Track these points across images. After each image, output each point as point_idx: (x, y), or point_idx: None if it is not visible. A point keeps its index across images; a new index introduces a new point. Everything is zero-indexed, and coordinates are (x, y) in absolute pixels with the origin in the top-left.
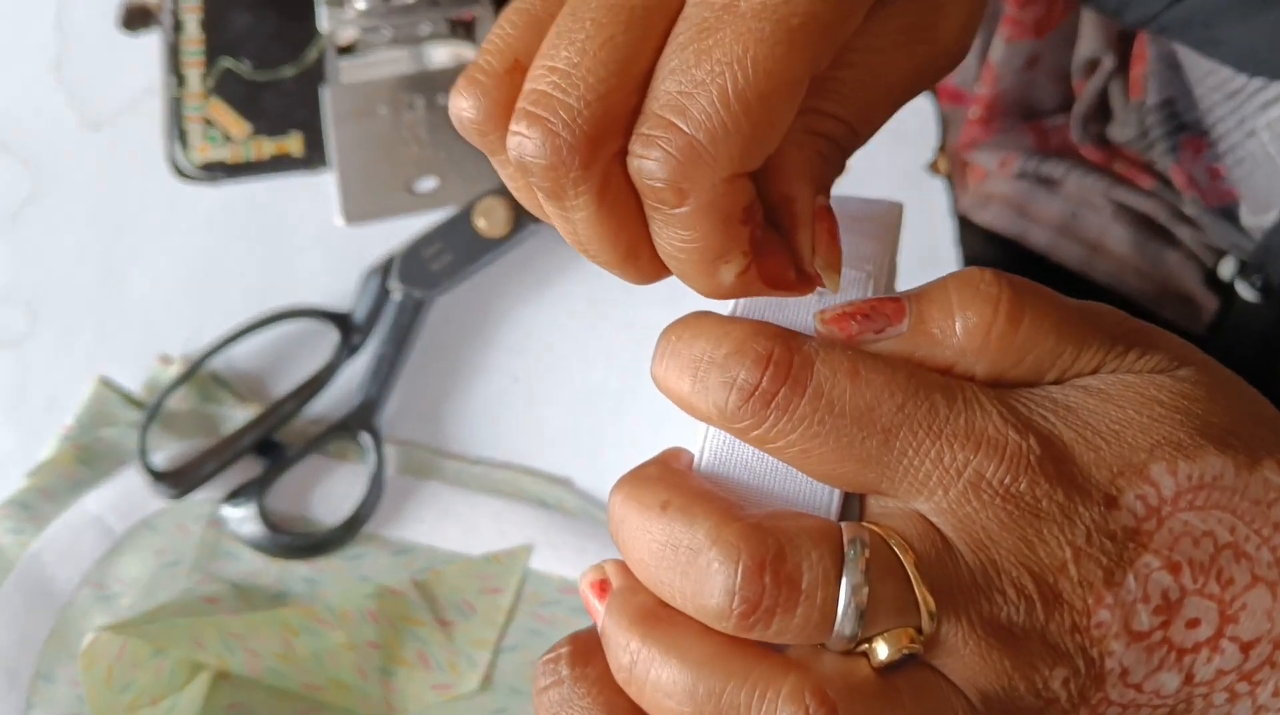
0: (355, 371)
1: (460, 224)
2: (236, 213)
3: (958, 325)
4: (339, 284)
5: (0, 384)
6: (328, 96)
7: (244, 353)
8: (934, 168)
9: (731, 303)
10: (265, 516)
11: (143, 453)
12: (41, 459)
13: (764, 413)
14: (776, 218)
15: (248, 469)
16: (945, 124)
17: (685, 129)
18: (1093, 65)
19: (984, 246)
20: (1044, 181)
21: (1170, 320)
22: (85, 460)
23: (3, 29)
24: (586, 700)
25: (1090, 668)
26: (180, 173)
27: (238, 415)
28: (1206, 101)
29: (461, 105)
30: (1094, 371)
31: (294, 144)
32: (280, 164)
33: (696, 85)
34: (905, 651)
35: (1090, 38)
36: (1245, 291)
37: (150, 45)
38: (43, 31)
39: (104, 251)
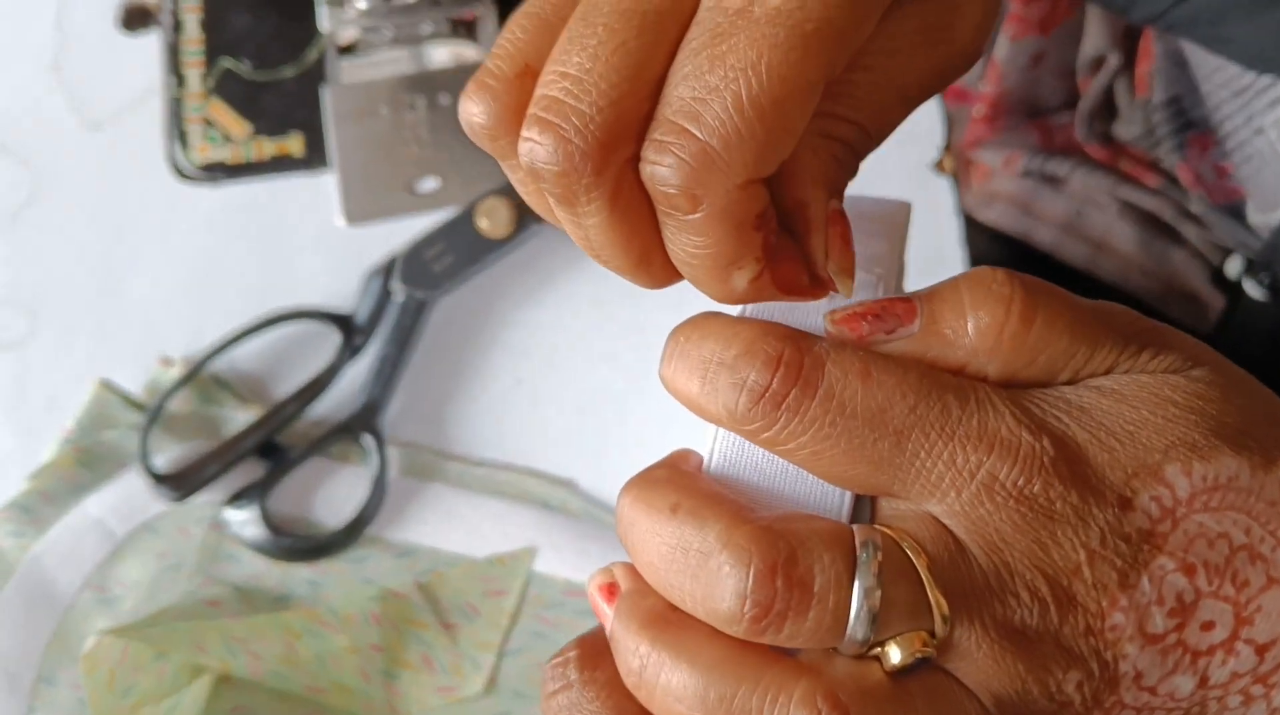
0: (357, 373)
1: (462, 224)
2: (237, 213)
3: (970, 325)
4: (340, 285)
5: (0, 386)
6: (328, 96)
7: (245, 354)
8: (939, 167)
9: None
10: (267, 519)
11: (144, 455)
12: (42, 462)
13: (774, 414)
14: (789, 222)
15: (249, 471)
16: (950, 123)
17: (699, 135)
18: (1098, 63)
19: (989, 245)
20: (1049, 180)
21: (1176, 319)
22: (86, 463)
23: (2, 29)
24: (596, 704)
25: (1104, 671)
26: (180, 173)
27: (239, 417)
28: (1213, 99)
29: (471, 110)
30: (1107, 372)
31: (295, 144)
32: (281, 164)
33: (710, 91)
34: (918, 655)
35: (1095, 35)
36: (1253, 289)
37: (150, 45)
38: (42, 31)
39: (104, 252)
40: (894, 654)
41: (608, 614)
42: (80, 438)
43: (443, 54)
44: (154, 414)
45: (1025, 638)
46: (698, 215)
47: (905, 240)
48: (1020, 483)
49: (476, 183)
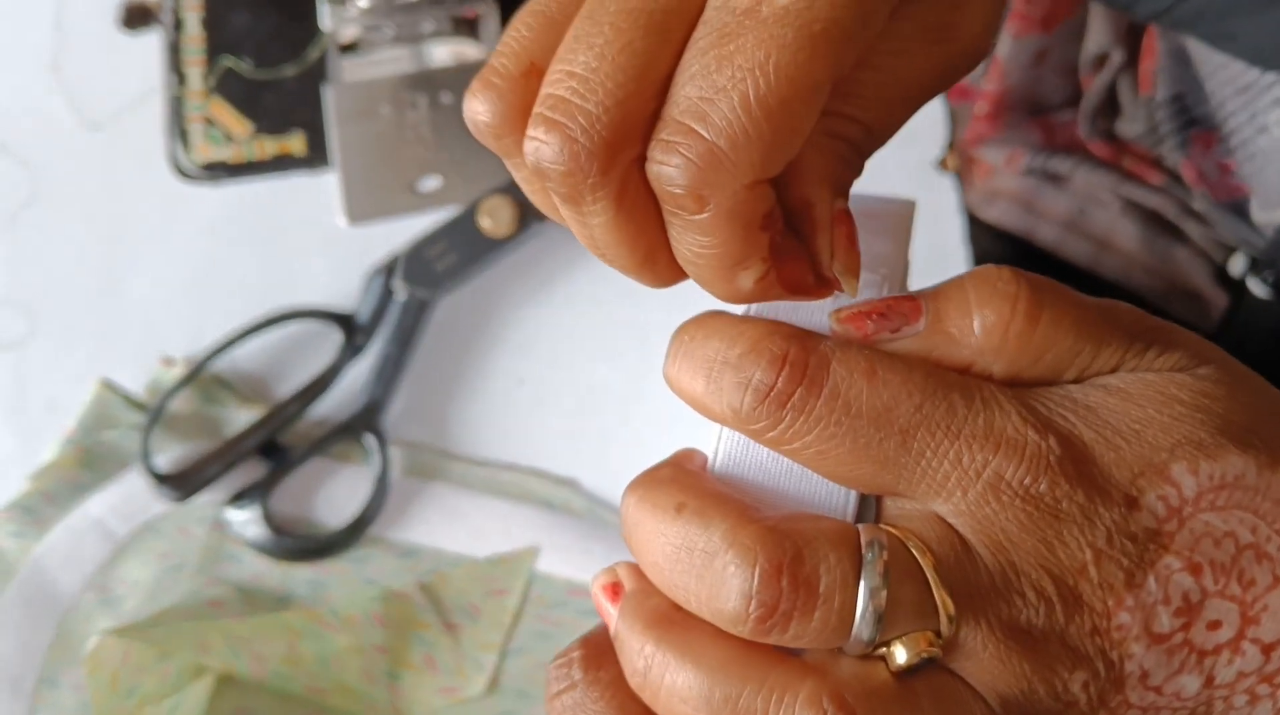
0: (359, 373)
1: (464, 224)
2: (238, 213)
3: (975, 324)
4: (342, 284)
5: (0, 386)
6: (330, 95)
7: (247, 354)
8: (943, 165)
9: None
10: (269, 519)
11: (145, 455)
12: (43, 462)
13: (779, 414)
14: (795, 221)
15: (251, 471)
16: (952, 120)
17: (706, 135)
18: (1101, 60)
19: (991, 243)
20: (1051, 178)
21: (1179, 317)
22: (87, 463)
23: (1, 29)
24: (600, 705)
25: (1110, 670)
26: (181, 173)
27: (241, 417)
28: (1217, 96)
29: (476, 108)
30: (1113, 370)
31: (296, 143)
32: (282, 164)
33: (718, 91)
34: (924, 655)
35: (1098, 32)
36: (1256, 287)
37: (150, 44)
38: (42, 31)
39: (105, 252)
40: (900, 654)
41: (612, 614)
42: (81, 438)
43: (444, 52)
44: (155, 414)
45: (1031, 637)
46: (704, 215)
47: (910, 239)
48: (1026, 482)
49: (478, 182)
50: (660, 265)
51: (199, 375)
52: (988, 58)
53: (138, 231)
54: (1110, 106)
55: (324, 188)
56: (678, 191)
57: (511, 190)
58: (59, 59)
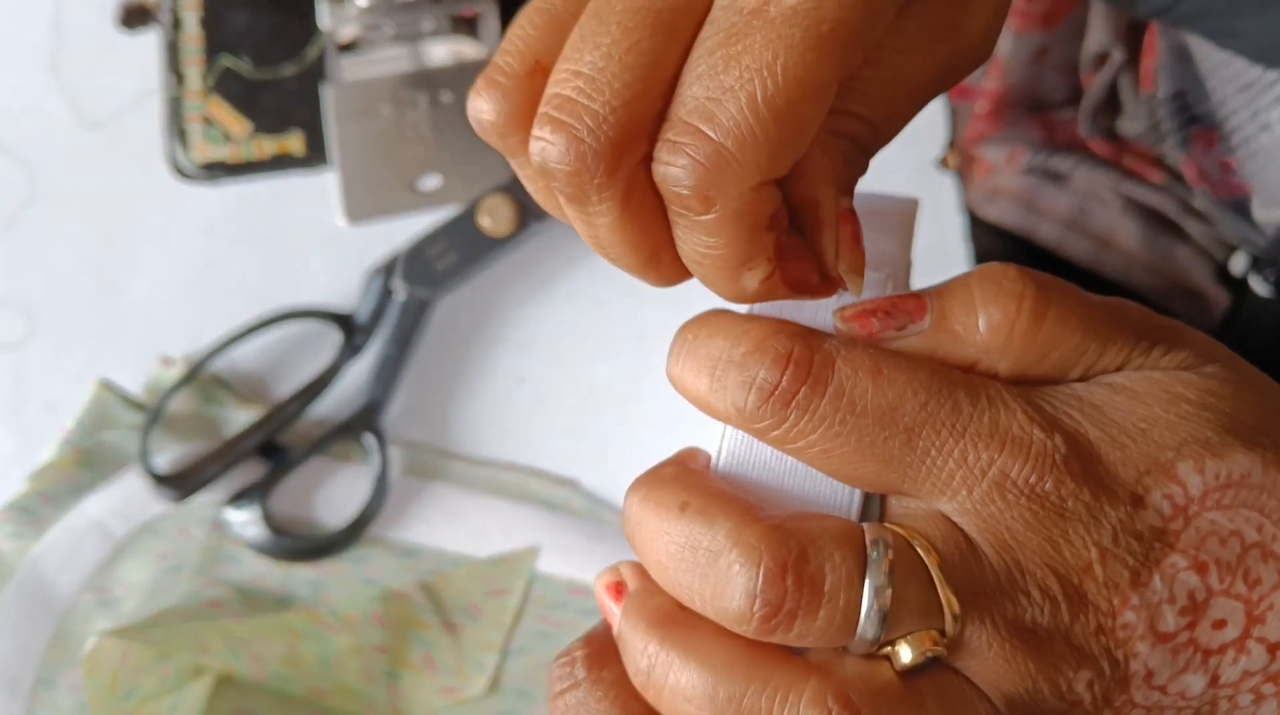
0: (359, 372)
1: (464, 223)
2: (237, 213)
3: (981, 322)
4: (341, 284)
5: None
6: (329, 94)
7: (246, 354)
8: (943, 163)
9: None
10: (268, 519)
11: (144, 456)
12: (41, 462)
13: (784, 412)
14: (799, 220)
15: (250, 471)
16: (953, 118)
17: (713, 136)
18: (1101, 58)
19: (992, 242)
20: (1052, 176)
21: (1181, 316)
22: (86, 463)
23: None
24: (604, 704)
25: (1115, 670)
26: (180, 172)
27: (240, 417)
28: (1219, 94)
29: (481, 107)
30: (1119, 368)
31: (295, 143)
32: (281, 163)
33: (725, 91)
34: (929, 654)
35: (1099, 30)
36: (1258, 286)
37: (149, 44)
38: (40, 31)
39: (103, 253)
40: (904, 653)
41: (615, 613)
42: (80, 438)
43: (443, 51)
44: (154, 414)
45: (1036, 636)
46: (710, 216)
47: (913, 237)
48: (1032, 480)
49: (478, 181)
50: (665, 265)
51: (198, 375)
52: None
53: (137, 231)
54: (1111, 104)
55: (323, 187)
56: (684, 192)
57: (511, 189)
58: (58, 59)
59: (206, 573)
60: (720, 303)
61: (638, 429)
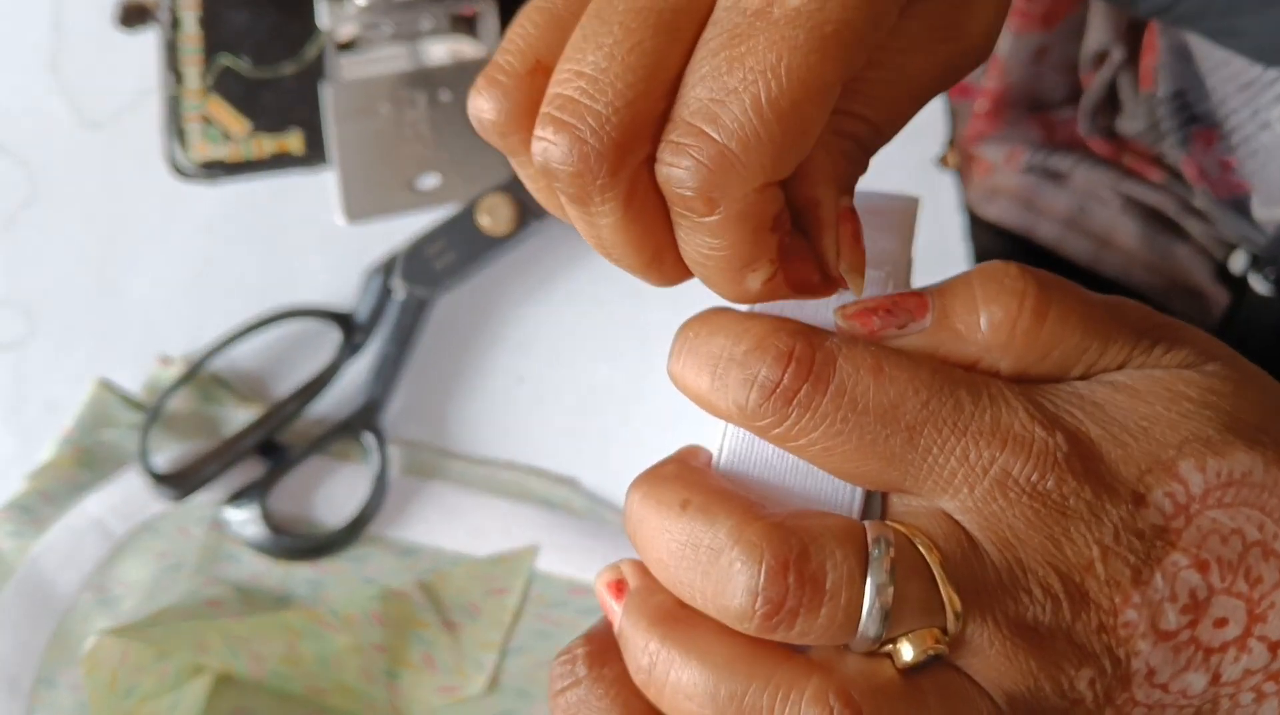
0: (358, 371)
1: (463, 222)
2: (236, 212)
3: (982, 320)
4: (340, 283)
5: None
6: (328, 93)
7: (245, 353)
8: (943, 162)
9: None
10: (268, 518)
11: (143, 455)
12: (41, 461)
13: (786, 411)
14: (800, 219)
15: (250, 470)
16: (953, 117)
17: (717, 137)
18: (1101, 57)
19: (992, 241)
20: (1051, 175)
21: (1180, 315)
22: (85, 463)
23: None
24: (605, 701)
25: (1116, 668)
26: (179, 172)
27: (239, 416)
28: (1219, 93)
29: (481, 106)
30: (1120, 367)
31: (294, 142)
32: (280, 162)
33: (729, 93)
34: (930, 652)
35: (1099, 29)
36: (1258, 284)
37: (148, 43)
38: (39, 31)
39: (103, 252)
40: (906, 651)
41: (616, 611)
42: (79, 437)
43: (442, 50)
44: (153, 413)
45: (1038, 635)
46: (714, 218)
47: (914, 236)
48: (1034, 479)
49: (477, 179)
50: (667, 265)
51: (197, 374)
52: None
53: (136, 231)
54: (1110, 103)
55: (322, 186)
56: (687, 194)
57: (510, 188)
58: (57, 59)
59: (206, 572)
60: (721, 301)
61: (637, 428)
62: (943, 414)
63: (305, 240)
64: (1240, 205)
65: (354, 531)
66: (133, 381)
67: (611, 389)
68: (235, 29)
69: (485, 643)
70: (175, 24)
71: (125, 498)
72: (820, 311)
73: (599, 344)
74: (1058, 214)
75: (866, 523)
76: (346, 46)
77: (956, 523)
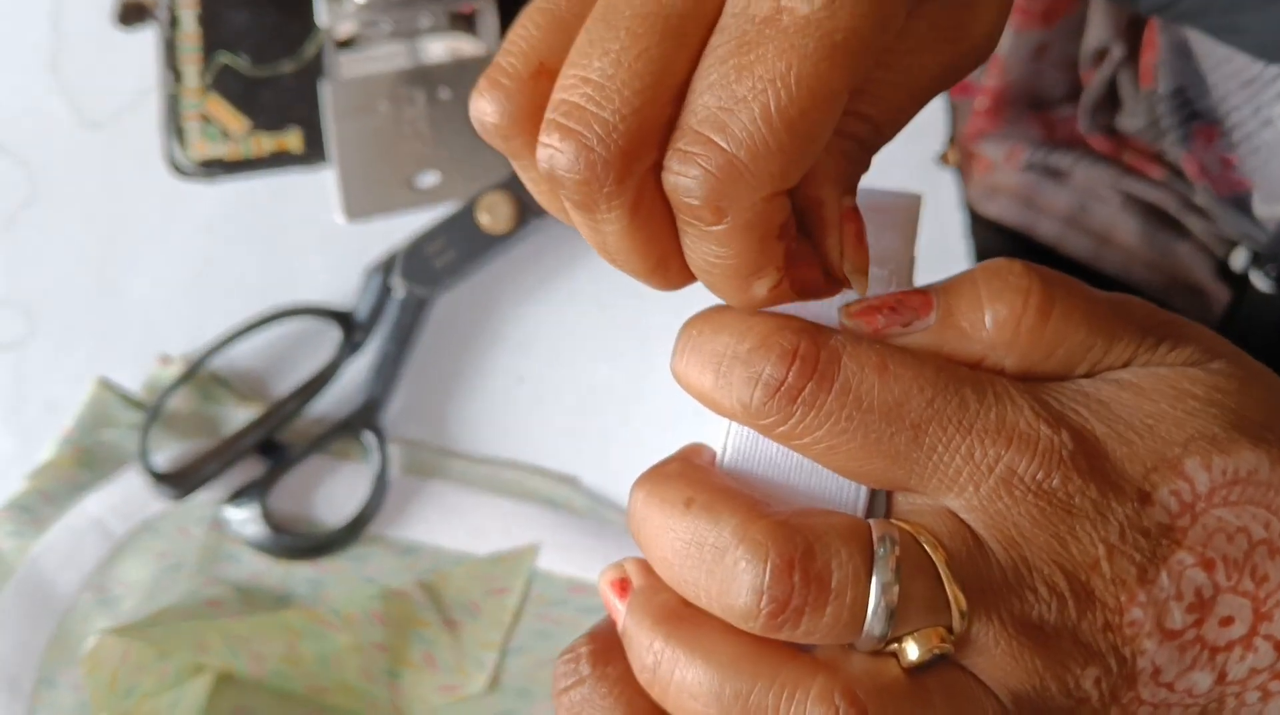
0: (358, 370)
1: (463, 220)
2: (236, 210)
3: (987, 318)
4: (340, 282)
5: None
6: (327, 91)
7: (245, 352)
8: (943, 160)
9: None
10: (268, 517)
11: (143, 454)
12: (41, 461)
13: (790, 409)
14: (804, 220)
15: (250, 470)
16: (953, 115)
17: (725, 147)
18: (1101, 55)
19: (992, 238)
20: (1052, 173)
21: (1181, 312)
22: (85, 462)
23: None
24: (609, 700)
25: (1122, 667)
26: (178, 170)
27: (239, 415)
28: (1220, 90)
29: (484, 109)
30: (1125, 365)
31: (293, 140)
32: (279, 160)
33: (738, 101)
34: (936, 651)
35: (1099, 26)
36: (1259, 281)
37: (146, 42)
38: (38, 30)
39: (102, 251)
40: (911, 650)
41: (620, 610)
42: (79, 437)
43: (441, 48)
44: (153, 412)
45: (1043, 633)
46: (721, 227)
47: (916, 234)
48: (1039, 477)
49: (477, 177)
50: (672, 271)
51: (197, 373)
52: None
53: (135, 230)
54: (1110, 101)
55: (321, 184)
56: (695, 203)
57: (510, 186)
58: (57, 59)
59: (206, 571)
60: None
61: (638, 427)
62: (948, 412)
63: (305, 239)
64: (1241, 202)
65: (354, 531)
66: (133, 381)
67: (612, 388)
68: (234, 27)
69: (486, 642)
70: (174, 22)
71: (125, 497)
72: (824, 308)
73: (600, 343)
74: (1058, 211)
75: (871, 521)
76: (345, 44)
77: (962, 521)
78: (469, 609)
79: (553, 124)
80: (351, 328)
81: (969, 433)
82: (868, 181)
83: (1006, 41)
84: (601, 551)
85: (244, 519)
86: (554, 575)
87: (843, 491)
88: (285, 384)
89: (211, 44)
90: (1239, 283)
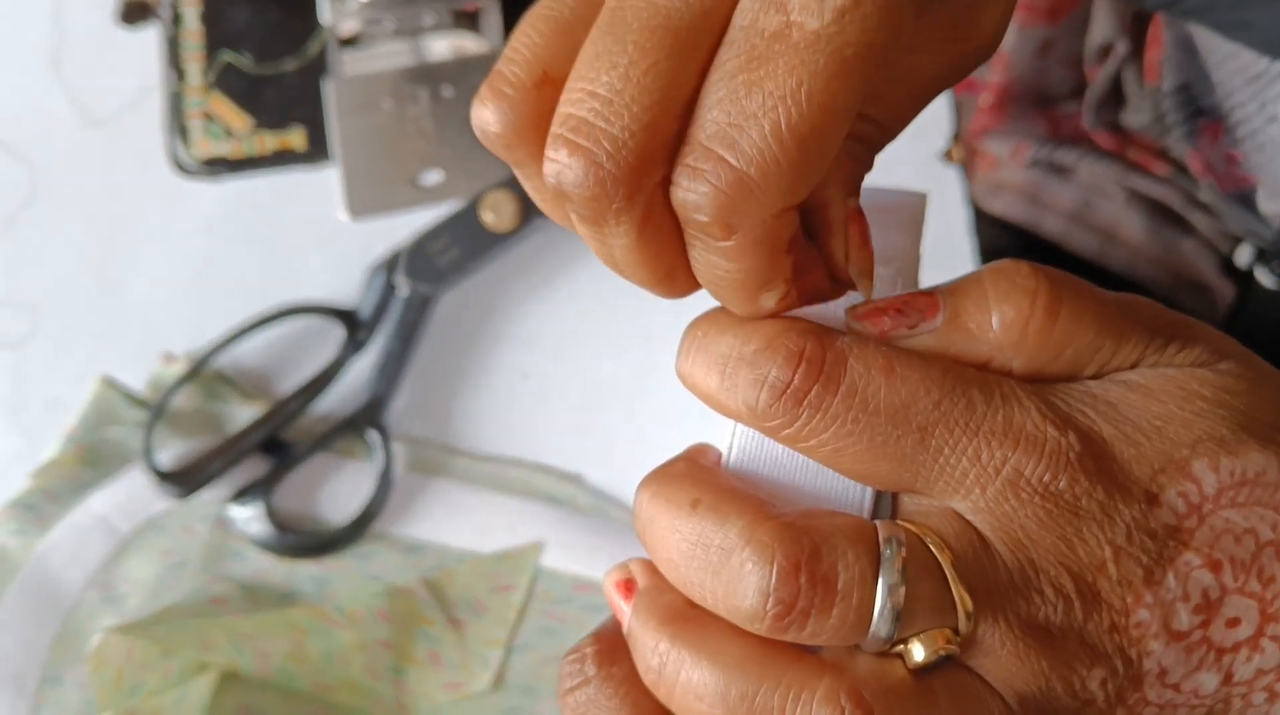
0: (362, 368)
1: (467, 218)
2: (238, 209)
3: (994, 319)
4: (344, 280)
5: (1, 386)
6: (330, 90)
7: (249, 350)
8: (948, 156)
9: None
10: (272, 515)
11: (147, 452)
12: (45, 460)
13: (796, 411)
14: (808, 222)
15: (254, 468)
16: (958, 112)
17: (735, 163)
18: (1106, 51)
19: (996, 235)
20: (1056, 169)
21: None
22: (89, 461)
23: (0, 27)
24: (614, 701)
25: (1128, 668)
26: (182, 169)
27: (243, 413)
28: (1226, 86)
29: (486, 118)
30: (1133, 366)
31: (296, 138)
32: (283, 158)
33: (747, 118)
34: (942, 653)
35: (1103, 23)
36: (1264, 278)
37: (149, 40)
38: (41, 28)
39: (105, 250)
40: (917, 651)
41: (625, 611)
42: (83, 435)
43: (444, 46)
44: (157, 411)
45: (1049, 635)
46: (730, 243)
47: (922, 232)
48: (1046, 479)
49: (481, 176)
50: (679, 282)
51: (201, 372)
52: None
53: (138, 228)
54: (1115, 97)
55: (325, 183)
56: (704, 219)
57: (514, 184)
58: (59, 57)
59: (211, 569)
60: None
61: (643, 425)
62: (955, 414)
63: (308, 237)
64: (1246, 199)
65: (359, 529)
66: (136, 379)
67: (616, 385)
68: (237, 25)
69: (491, 639)
70: (176, 20)
71: (130, 495)
72: (830, 310)
73: (603, 341)
74: (1063, 208)
75: (878, 522)
76: (349, 42)
77: (968, 523)
78: (474, 607)
79: (560, 139)
80: (355, 326)
81: (976, 434)
82: (872, 178)
83: (1011, 38)
84: (606, 549)
85: (248, 517)
86: (559, 573)
87: (848, 493)
88: (289, 382)
89: (214, 42)
90: (1244, 279)
